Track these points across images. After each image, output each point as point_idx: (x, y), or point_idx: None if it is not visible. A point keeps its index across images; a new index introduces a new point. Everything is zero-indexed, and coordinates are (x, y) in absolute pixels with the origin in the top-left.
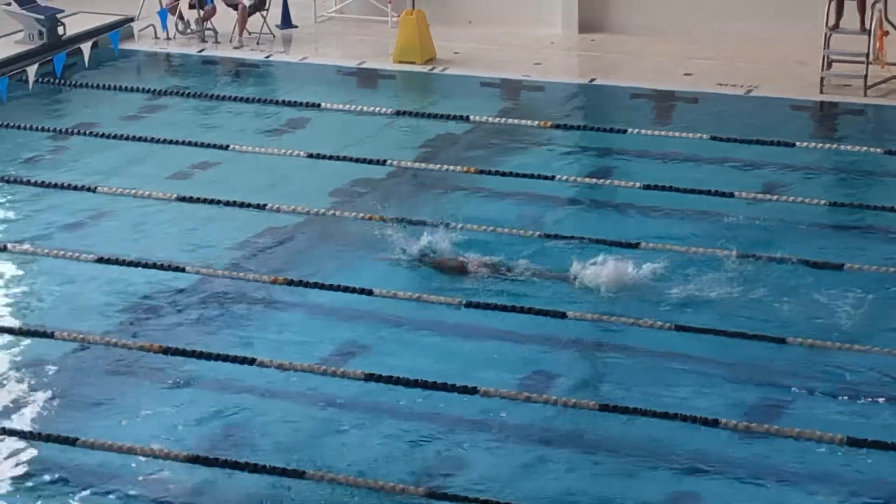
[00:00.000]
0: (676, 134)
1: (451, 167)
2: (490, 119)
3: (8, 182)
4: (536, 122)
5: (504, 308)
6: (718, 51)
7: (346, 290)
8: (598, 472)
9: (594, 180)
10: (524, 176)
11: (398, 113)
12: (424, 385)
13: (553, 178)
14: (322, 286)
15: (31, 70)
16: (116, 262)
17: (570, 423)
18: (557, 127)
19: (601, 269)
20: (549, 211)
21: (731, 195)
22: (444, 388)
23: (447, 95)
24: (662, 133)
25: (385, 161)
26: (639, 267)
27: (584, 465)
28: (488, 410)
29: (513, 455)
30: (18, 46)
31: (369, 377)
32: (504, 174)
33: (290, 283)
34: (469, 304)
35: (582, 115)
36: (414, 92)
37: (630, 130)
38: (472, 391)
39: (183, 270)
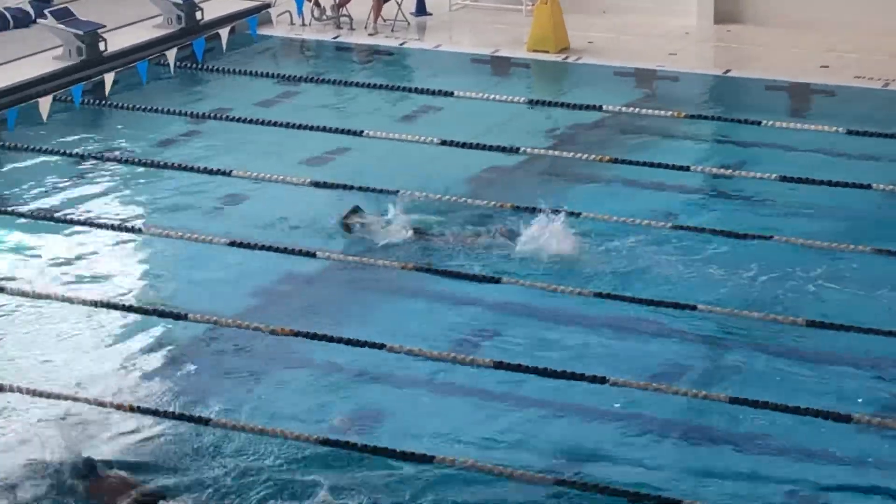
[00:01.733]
0: (811, 127)
1: (584, 156)
2: (623, 109)
3: (143, 164)
4: (670, 113)
5: (641, 301)
6: (856, 43)
7: (472, 278)
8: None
9: (727, 171)
10: (657, 166)
11: (531, 102)
12: (554, 374)
13: (687, 168)
14: (450, 273)
15: (171, 54)
16: (248, 245)
17: (700, 416)
18: (691, 117)
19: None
20: (682, 202)
21: (869, 187)
22: (573, 377)
23: (580, 85)
24: (797, 126)
25: (518, 149)
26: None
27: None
28: (622, 401)
29: (647, 447)
30: (157, 31)
31: (498, 365)
32: (637, 164)
33: (419, 269)
34: (598, 295)
35: (716, 107)
36: (547, 81)
37: (764, 122)
38: (602, 381)
39: (314, 256)
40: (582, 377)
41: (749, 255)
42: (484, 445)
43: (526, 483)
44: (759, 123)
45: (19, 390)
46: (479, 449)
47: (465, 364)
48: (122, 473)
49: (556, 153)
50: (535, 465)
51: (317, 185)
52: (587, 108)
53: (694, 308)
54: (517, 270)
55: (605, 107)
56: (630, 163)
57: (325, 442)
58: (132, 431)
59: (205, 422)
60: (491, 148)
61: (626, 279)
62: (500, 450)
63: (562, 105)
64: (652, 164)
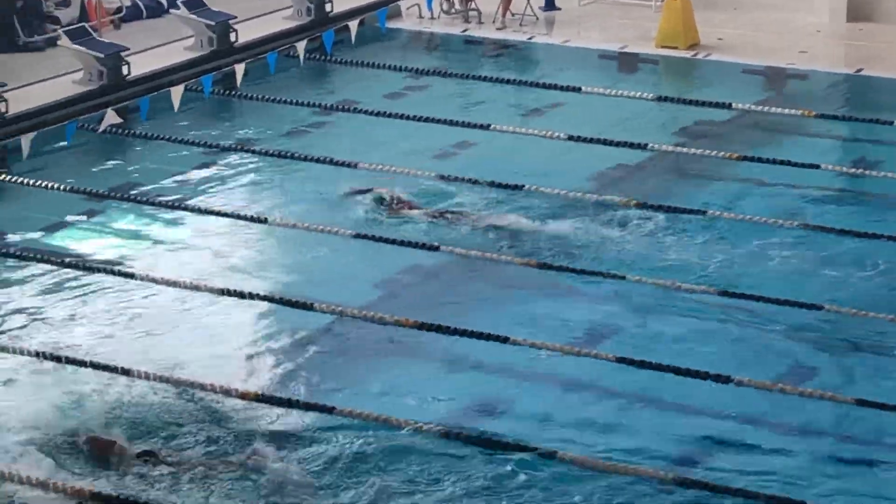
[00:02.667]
0: None
1: (712, 153)
2: (752, 107)
3: (271, 155)
4: (800, 111)
5: (767, 300)
6: None
7: (599, 274)
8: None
9: (858, 170)
10: (786, 164)
11: (659, 98)
12: (676, 371)
13: (817, 167)
14: (575, 270)
15: (301, 46)
16: (372, 238)
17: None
18: (821, 116)
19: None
20: (810, 200)
21: None
22: (697, 375)
23: (709, 82)
24: None
25: (645, 145)
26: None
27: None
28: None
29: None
30: (287, 22)
31: (620, 360)
32: (765, 161)
33: (543, 266)
34: (722, 293)
35: (846, 106)
36: (676, 77)
37: None
38: (726, 380)
39: (437, 249)
40: (706, 375)
41: (878, 255)
42: (603, 440)
43: (647, 480)
44: (891, 123)
45: (146, 377)
46: (599, 444)
47: (588, 357)
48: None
49: (684, 150)
50: (656, 463)
51: (442, 178)
52: (716, 105)
53: (821, 308)
54: (641, 266)
55: (733, 104)
56: (758, 160)
57: (447, 434)
58: (255, 419)
59: (329, 410)
60: (618, 144)
61: (751, 277)
62: (619, 445)
63: (690, 102)
64: (781, 162)
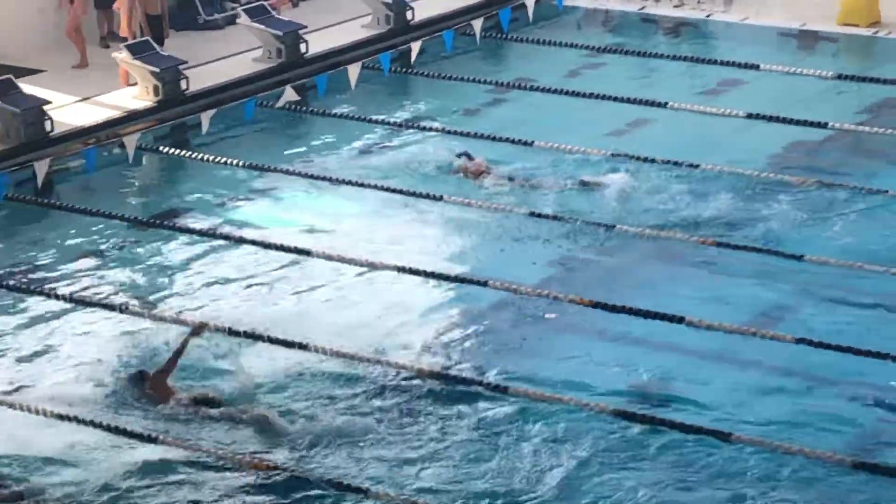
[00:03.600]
0: None
1: (893, 131)
2: None
3: (445, 132)
4: None
5: None
6: None
7: (775, 253)
8: None
9: None
10: None
11: (839, 76)
12: (855, 352)
13: None
14: (753, 249)
15: (477, 24)
16: (546, 216)
17: None
18: None
19: None
20: None
21: None
22: (877, 355)
23: (891, 60)
24: None
25: (825, 124)
26: None
27: None
28: None
29: None
30: (464, 0)
31: (800, 341)
32: None
33: (718, 244)
34: None
35: None
36: (856, 55)
37: None
38: None
39: (613, 228)
40: (886, 356)
41: None
42: (775, 421)
43: (821, 462)
44: None
45: (323, 351)
46: (769, 425)
47: (764, 338)
48: None
49: (865, 129)
50: (833, 446)
51: (615, 155)
52: None
53: None
54: (821, 247)
55: None
56: None
57: (617, 413)
58: (424, 396)
59: (503, 389)
60: (797, 122)
61: None
62: (790, 426)
63: (871, 80)
64: None
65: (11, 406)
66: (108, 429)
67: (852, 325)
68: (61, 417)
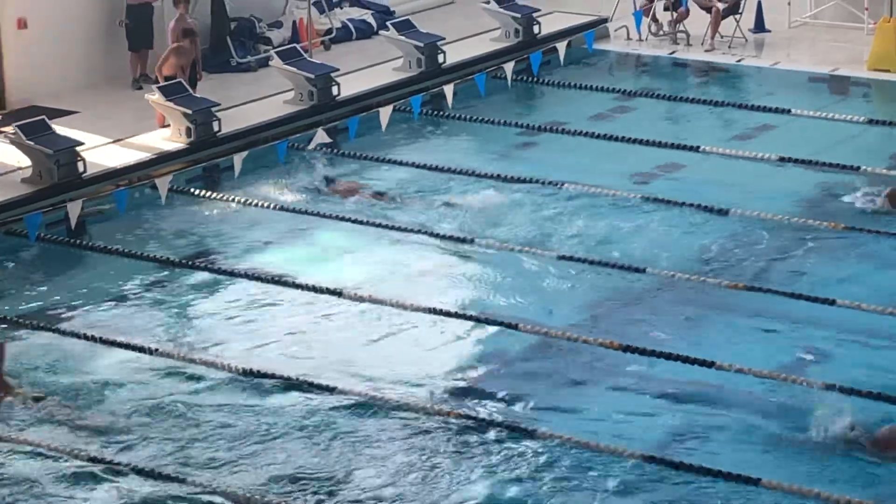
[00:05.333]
0: None
1: None
2: None
3: (477, 176)
4: None
5: None
6: None
7: (806, 298)
8: None
9: None
10: None
11: (871, 121)
12: (888, 399)
13: None
14: (784, 294)
15: (509, 67)
16: (576, 259)
17: None
18: None
19: None
20: None
21: None
22: None
23: None
24: None
25: (858, 168)
26: None
27: None
28: None
29: None
30: (495, 44)
31: (829, 387)
32: None
33: (751, 289)
34: None
35: None
36: (888, 101)
37: None
38: None
39: (643, 272)
40: None
41: None
42: (805, 471)
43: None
44: None
45: (352, 393)
46: (800, 474)
47: (796, 384)
48: None
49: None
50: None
51: (646, 199)
52: None
53: None
54: (851, 292)
55: None
56: None
57: (649, 459)
58: (453, 436)
59: (530, 434)
60: (830, 166)
61: None
62: (819, 477)
63: None
64: None
65: None
66: None
67: (881, 371)
68: None
